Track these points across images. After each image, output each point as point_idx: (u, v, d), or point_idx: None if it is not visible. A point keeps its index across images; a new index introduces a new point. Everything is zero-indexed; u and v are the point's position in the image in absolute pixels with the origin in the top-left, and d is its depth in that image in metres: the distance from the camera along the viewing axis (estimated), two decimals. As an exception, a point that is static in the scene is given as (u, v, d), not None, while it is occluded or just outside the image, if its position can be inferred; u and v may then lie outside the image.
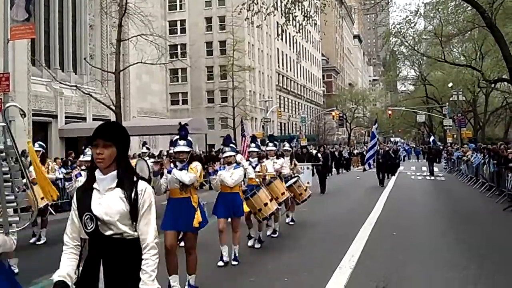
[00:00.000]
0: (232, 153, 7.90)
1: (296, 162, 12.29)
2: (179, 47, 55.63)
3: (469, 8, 25.35)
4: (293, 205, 11.82)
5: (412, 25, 34.52)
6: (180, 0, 60.43)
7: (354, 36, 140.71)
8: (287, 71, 77.45)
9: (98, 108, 30.28)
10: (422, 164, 41.78)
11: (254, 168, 9.24)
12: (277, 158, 10.69)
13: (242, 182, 8.43)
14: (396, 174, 28.96)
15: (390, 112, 63.80)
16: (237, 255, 7.98)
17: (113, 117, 24.24)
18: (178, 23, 59.86)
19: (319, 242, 9.93)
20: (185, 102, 59.96)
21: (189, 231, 6.39)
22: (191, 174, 6.37)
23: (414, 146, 77.22)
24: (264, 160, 10.12)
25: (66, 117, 29.88)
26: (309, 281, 7.10)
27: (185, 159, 6.47)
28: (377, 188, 21.21)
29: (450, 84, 46.47)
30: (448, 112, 49.34)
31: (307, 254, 8.83)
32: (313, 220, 12.78)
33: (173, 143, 6.88)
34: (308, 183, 18.09)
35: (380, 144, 30.68)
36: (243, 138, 20.12)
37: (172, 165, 6.60)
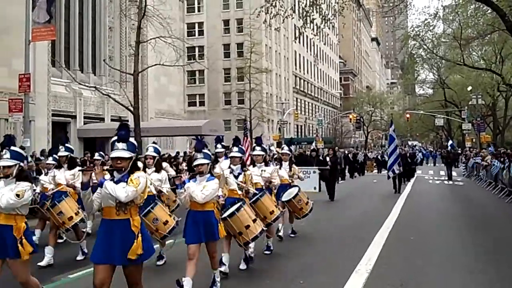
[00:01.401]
0: (205, 161, 6.31)
1: (296, 168, 10.77)
2: (197, 49, 55.92)
3: (489, 11, 25.10)
4: (292, 217, 10.51)
5: (431, 28, 34.32)
6: (198, 2, 60.68)
7: (372, 39, 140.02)
8: (304, 73, 77.33)
9: (116, 109, 30.55)
10: (440, 169, 41.42)
11: (236, 177, 7.64)
12: (266, 164, 8.98)
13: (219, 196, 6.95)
14: (413, 180, 27.54)
15: (408, 115, 63.31)
16: (217, 279, 6.59)
17: (131, 118, 24.44)
18: (196, 25, 60.10)
19: (335, 245, 9.91)
20: (202, 103, 60.17)
21: (125, 264, 4.91)
22: (130, 188, 4.81)
23: (432, 150, 76.55)
24: (250, 167, 8.45)
25: (85, 117, 30.19)
26: (325, 284, 7.10)
27: (123, 168, 4.95)
28: (393, 193, 20.44)
29: (469, 88, 46.05)
30: (467, 116, 48.85)
31: (323, 257, 8.81)
32: (329, 224, 12.74)
33: (111, 146, 5.19)
34: (314, 188, 17.66)
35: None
36: (245, 138, 19.66)
37: (108, 175, 5.13)
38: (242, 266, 7.75)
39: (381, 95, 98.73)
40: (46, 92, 26.30)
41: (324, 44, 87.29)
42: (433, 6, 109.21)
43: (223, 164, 8.87)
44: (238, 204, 7.16)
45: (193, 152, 7.72)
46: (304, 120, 73.00)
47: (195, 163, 6.39)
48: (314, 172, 18.38)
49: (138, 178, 4.92)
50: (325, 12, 20.12)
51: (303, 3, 18.78)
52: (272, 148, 40.52)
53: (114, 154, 4.96)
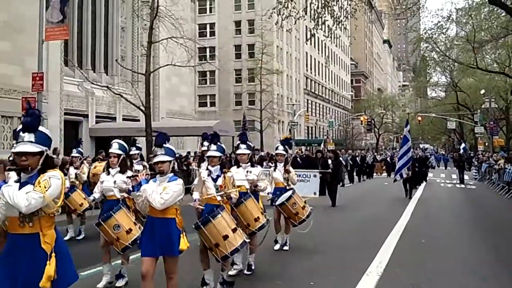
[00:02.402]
0: (166, 158, 5.32)
1: (291, 169, 9.37)
2: (208, 50, 55.99)
3: (503, 14, 24.94)
4: (289, 227, 9.40)
5: (444, 30, 34.23)
6: (210, 3, 60.79)
7: (384, 41, 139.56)
8: (315, 75, 77.21)
9: (128, 109, 30.66)
10: (451, 172, 41.17)
11: (214, 180, 6.52)
12: (252, 165, 7.80)
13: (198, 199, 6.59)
14: (423, 185, 26.10)
15: (419, 118, 63.00)
16: None
17: (142, 118, 24.53)
18: (208, 26, 60.20)
19: (345, 248, 9.85)
20: (213, 104, 60.25)
21: None
22: (35, 194, 3.73)
23: (443, 153, 76.10)
24: (233, 168, 7.56)
25: (96, 116, 30.32)
26: (335, 285, 7.08)
27: (30, 167, 3.89)
28: (403, 197, 19.72)
29: (482, 91, 45.74)
30: (479, 119, 48.51)
31: (333, 259, 8.77)
32: (338, 227, 12.70)
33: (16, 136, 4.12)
34: (314, 193, 16.42)
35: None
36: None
37: (12, 177, 4.10)
38: None
39: (392, 97, 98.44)
40: (59, 91, 26.44)
41: (336, 46, 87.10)
42: (446, 8, 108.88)
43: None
44: (216, 211, 6.09)
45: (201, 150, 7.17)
46: (314, 121, 72.89)
47: (155, 160, 5.38)
48: (315, 176, 16.96)
49: (48, 179, 3.84)
50: (337, 14, 20.07)
51: (315, 4, 18.75)
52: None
53: (17, 148, 3.91)
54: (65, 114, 27.14)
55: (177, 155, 15.69)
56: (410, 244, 10.14)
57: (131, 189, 6.21)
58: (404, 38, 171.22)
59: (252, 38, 57.83)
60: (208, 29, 60.14)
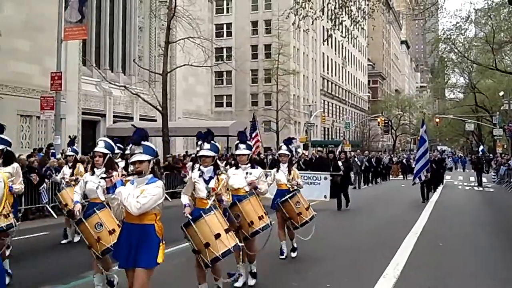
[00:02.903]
0: (145, 157, 4.73)
1: (297, 172, 8.93)
2: (225, 50, 56.14)
3: (523, 15, 24.61)
4: (291, 231, 8.71)
5: (463, 31, 33.91)
6: (227, 3, 60.93)
7: (402, 42, 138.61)
8: (332, 75, 76.95)
9: (145, 109, 30.85)
10: (469, 174, 40.75)
11: (207, 182, 6.01)
12: (252, 166, 7.21)
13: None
14: (440, 187, 24.91)
15: (437, 120, 62.47)
16: None
17: (159, 118, 24.65)
18: (225, 26, 60.34)
19: (361, 250, 9.77)
20: (229, 104, 60.35)
21: None
22: None
23: (461, 155, 75.38)
24: (231, 170, 7.20)
25: (114, 116, 30.57)
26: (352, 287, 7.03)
27: None
28: (421, 200, 19.03)
29: (501, 93, 45.23)
30: (498, 121, 47.97)
31: (349, 261, 8.70)
32: (354, 229, 12.62)
33: None
34: (325, 197, 16.06)
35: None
36: (256, 135, 19.14)
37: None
38: None
39: (410, 98, 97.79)
40: (77, 91, 26.71)
41: (353, 46, 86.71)
42: (465, 9, 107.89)
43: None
44: (207, 207, 5.62)
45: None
46: (331, 122, 72.65)
47: (132, 159, 4.79)
48: (325, 178, 16.19)
49: None
50: (354, 15, 19.96)
51: (332, 5, 18.67)
52: (299, 150, 40.47)
53: None
54: (83, 113, 27.40)
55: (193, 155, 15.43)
56: (427, 247, 10.04)
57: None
58: (422, 39, 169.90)
59: (269, 39, 57.80)
60: (225, 29, 60.29)
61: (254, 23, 61.37)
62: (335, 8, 18.24)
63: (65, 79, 21.86)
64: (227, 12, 61.01)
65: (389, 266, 7.99)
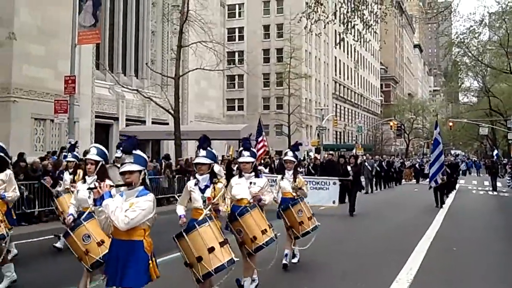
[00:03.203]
0: (136, 167, 4.35)
1: (302, 180, 8.41)
2: (236, 54, 56.26)
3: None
4: (290, 241, 8.12)
5: (476, 35, 33.71)
6: (239, 7, 61.09)
7: (415, 46, 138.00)
8: (344, 79, 76.79)
9: (157, 112, 30.97)
10: (483, 179, 40.40)
11: (202, 191, 5.70)
12: (257, 176, 6.75)
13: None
14: (453, 193, 24.11)
15: (451, 123, 62.06)
16: None
17: (171, 121, 24.73)
18: (237, 30, 60.53)
19: (374, 254, 9.71)
20: (241, 108, 60.45)
21: None
22: None
23: (475, 159, 74.77)
24: (234, 179, 6.87)
25: (126, 119, 30.71)
26: (364, 292, 6.99)
27: None
28: (434, 205, 18.48)
29: (516, 97, 44.83)
30: (512, 125, 47.54)
31: (363, 264, 8.66)
32: (366, 234, 12.54)
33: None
34: (333, 202, 15.72)
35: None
36: (262, 140, 18.70)
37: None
38: None
39: (423, 102, 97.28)
40: (90, 94, 26.88)
41: (365, 50, 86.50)
42: (479, 12, 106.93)
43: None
44: (201, 218, 5.24)
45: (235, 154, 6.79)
46: (343, 126, 72.48)
47: (121, 169, 4.40)
48: (334, 183, 15.79)
49: None
50: (367, 18, 19.92)
51: (344, 9, 18.65)
52: (310, 153, 40.38)
53: None
54: (96, 117, 27.56)
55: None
56: (441, 251, 9.96)
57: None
58: (435, 43, 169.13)
59: (280, 42, 57.85)
60: (237, 33, 60.47)
61: (266, 27, 61.48)
62: (347, 12, 18.23)
63: (79, 82, 22.00)
64: (239, 16, 61.18)
65: (402, 270, 7.94)
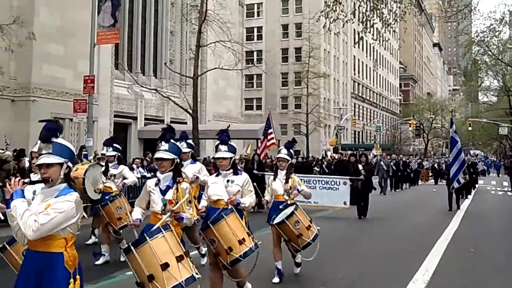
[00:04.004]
0: (55, 160, 3.52)
1: (296, 179, 7.36)
2: (255, 53, 56.23)
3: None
4: (279, 251, 7.20)
5: (497, 33, 33.29)
6: (257, 7, 61.08)
7: (434, 44, 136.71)
8: (363, 78, 76.38)
9: (175, 111, 31.14)
10: (502, 179, 39.88)
11: (163, 192, 4.88)
12: (235, 173, 5.81)
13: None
14: (472, 193, 23.55)
15: (470, 123, 61.32)
16: None
17: (189, 121, 24.83)
18: (255, 29, 60.52)
19: (389, 256, 9.67)
20: (259, 107, 60.46)
21: None
22: None
23: (494, 159, 73.82)
24: (210, 177, 6.10)
25: (145, 119, 30.94)
26: (380, 293, 6.96)
27: None
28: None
29: (537, 96, 44.16)
30: (533, 125, 46.85)
31: (379, 265, 8.63)
32: (381, 236, 12.46)
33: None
34: (344, 203, 15.09)
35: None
36: (270, 133, 18.12)
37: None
38: None
39: (442, 102, 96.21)
40: (109, 94, 27.12)
41: (385, 49, 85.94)
42: (499, 11, 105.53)
43: (188, 170, 7.59)
44: (155, 228, 4.29)
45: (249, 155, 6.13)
46: (362, 126, 72.09)
47: (37, 162, 3.63)
48: (345, 183, 15.06)
49: None
50: (386, 17, 19.78)
51: (363, 7, 18.53)
52: (328, 153, 40.24)
53: None
54: (115, 116, 27.81)
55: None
56: (458, 252, 9.88)
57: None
58: (455, 41, 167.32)
59: (299, 42, 57.76)
60: (255, 33, 60.46)
61: (285, 26, 61.41)
62: (366, 10, 18.11)
63: (98, 82, 22.21)
64: (258, 15, 61.18)
65: (419, 271, 7.89)
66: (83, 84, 18.71)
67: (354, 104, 71.86)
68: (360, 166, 15.46)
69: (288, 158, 7.34)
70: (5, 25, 17.24)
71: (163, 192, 4.82)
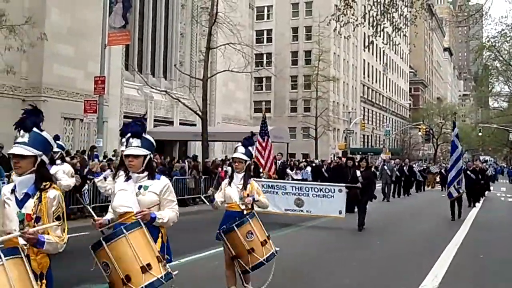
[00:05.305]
0: (31, 152, 3.24)
1: (255, 186, 6.07)
2: (265, 56, 56.33)
3: None
4: (233, 277, 5.89)
5: (508, 39, 33.06)
6: (268, 10, 61.17)
7: (445, 49, 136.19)
8: (372, 82, 76.19)
9: (185, 113, 31.23)
10: (513, 185, 39.62)
11: (19, 205, 3.33)
12: (151, 176, 4.25)
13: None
14: (480, 203, 22.21)
15: (480, 129, 61.00)
16: None
17: (199, 122, 24.90)
18: (265, 32, 60.58)
19: (401, 258, 9.63)
20: (268, 110, 60.43)
21: None
22: None
23: (504, 165, 73.32)
24: (118, 180, 4.35)
25: (154, 120, 31.01)
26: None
27: None
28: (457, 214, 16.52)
29: (548, 102, 43.87)
30: (544, 131, 46.51)
31: (387, 270, 8.58)
32: (395, 236, 12.42)
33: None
34: (340, 212, 13.41)
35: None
36: (266, 140, 16.53)
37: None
38: None
39: (452, 107, 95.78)
40: (119, 95, 27.23)
41: (395, 53, 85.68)
42: (511, 16, 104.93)
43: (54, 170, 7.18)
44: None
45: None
46: (371, 130, 71.90)
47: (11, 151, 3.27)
48: (340, 190, 13.50)
49: None
50: (396, 21, 19.73)
51: (374, 11, 18.49)
52: (336, 157, 40.08)
53: None
54: (125, 117, 27.88)
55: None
56: (467, 258, 9.81)
57: None
58: (465, 46, 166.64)
59: (309, 45, 57.75)
60: (265, 36, 60.53)
61: (295, 29, 61.43)
62: (377, 14, 18.07)
63: (108, 83, 22.31)
64: (268, 18, 61.26)
65: (428, 276, 7.83)
66: (93, 85, 18.82)
67: (364, 108, 71.68)
68: (358, 172, 13.64)
69: (246, 158, 6.02)
70: (17, 26, 17.38)
71: (20, 204, 3.30)
